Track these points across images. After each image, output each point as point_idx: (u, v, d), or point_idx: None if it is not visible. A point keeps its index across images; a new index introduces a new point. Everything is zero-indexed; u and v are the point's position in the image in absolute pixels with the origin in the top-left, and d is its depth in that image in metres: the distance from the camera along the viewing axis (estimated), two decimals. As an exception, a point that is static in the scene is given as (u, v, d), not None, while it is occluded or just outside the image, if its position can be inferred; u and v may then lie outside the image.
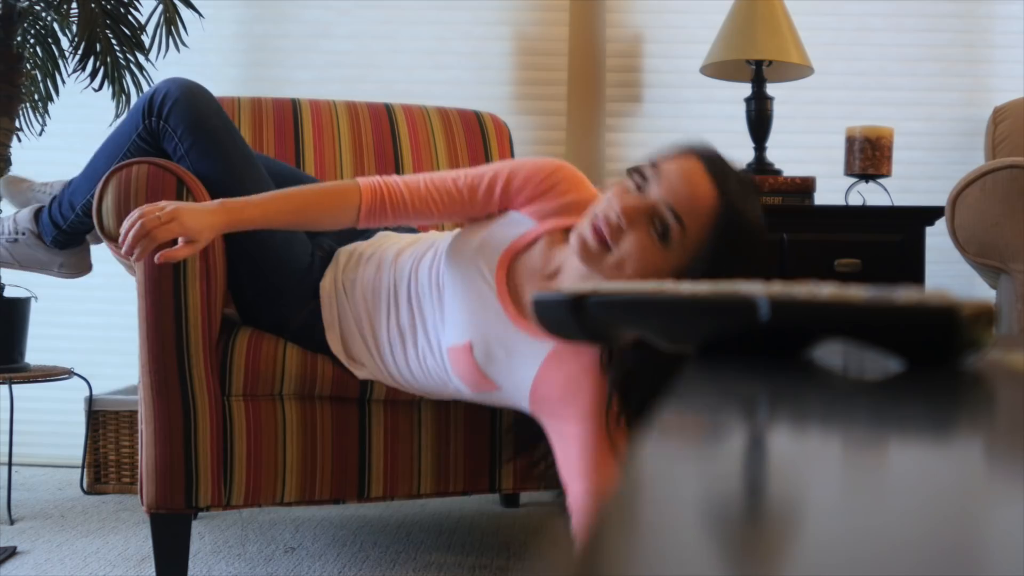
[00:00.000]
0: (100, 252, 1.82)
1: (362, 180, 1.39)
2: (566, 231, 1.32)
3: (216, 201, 1.35)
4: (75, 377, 2.23)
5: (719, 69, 2.44)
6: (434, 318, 1.41)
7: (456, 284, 1.37)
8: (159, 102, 1.53)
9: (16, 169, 2.15)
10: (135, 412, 2.27)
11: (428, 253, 1.44)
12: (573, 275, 1.27)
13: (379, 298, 1.47)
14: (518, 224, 1.37)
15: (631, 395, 1.23)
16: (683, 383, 0.41)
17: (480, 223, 1.40)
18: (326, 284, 1.51)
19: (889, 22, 2.64)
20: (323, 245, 1.56)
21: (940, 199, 2.26)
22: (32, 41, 2.31)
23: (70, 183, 1.72)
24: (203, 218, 1.30)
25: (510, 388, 1.35)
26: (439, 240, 1.46)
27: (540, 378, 1.30)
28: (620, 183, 1.19)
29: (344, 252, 1.54)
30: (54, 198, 1.74)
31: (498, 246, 1.36)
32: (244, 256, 1.51)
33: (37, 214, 1.75)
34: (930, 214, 2.19)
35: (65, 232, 1.72)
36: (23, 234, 1.75)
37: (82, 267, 1.85)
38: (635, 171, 1.19)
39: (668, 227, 1.14)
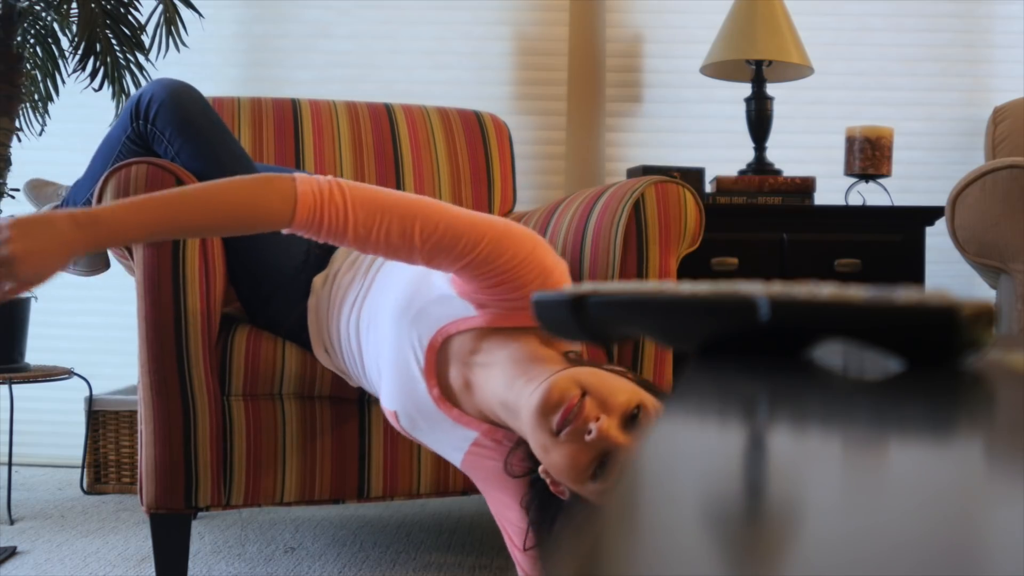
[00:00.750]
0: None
1: (302, 183, 1.10)
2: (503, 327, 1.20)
3: (76, 214, 1.06)
4: (75, 377, 2.23)
5: (719, 69, 2.44)
6: (376, 354, 1.32)
7: (392, 339, 1.27)
8: (145, 105, 1.53)
9: (16, 169, 2.15)
10: (135, 412, 2.27)
11: (396, 270, 1.35)
12: (499, 384, 1.16)
13: (344, 305, 1.41)
14: (456, 307, 1.21)
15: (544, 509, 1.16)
16: (683, 383, 0.41)
17: (420, 281, 1.25)
18: (317, 282, 1.50)
19: (889, 22, 2.64)
20: (318, 243, 1.53)
21: (940, 199, 2.26)
22: (32, 41, 2.31)
23: (76, 183, 1.74)
24: (49, 249, 1.04)
25: (441, 455, 1.33)
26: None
27: (468, 462, 1.27)
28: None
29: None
30: (64, 198, 1.77)
31: (434, 323, 1.22)
32: (234, 256, 1.51)
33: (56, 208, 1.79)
34: (930, 214, 2.19)
35: None
36: None
37: (97, 265, 1.86)
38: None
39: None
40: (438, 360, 1.23)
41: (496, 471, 1.23)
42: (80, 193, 1.69)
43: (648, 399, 1.07)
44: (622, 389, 1.06)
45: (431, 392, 1.24)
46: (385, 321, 1.29)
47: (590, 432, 1.02)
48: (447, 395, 1.24)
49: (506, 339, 1.19)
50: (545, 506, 1.14)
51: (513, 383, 1.13)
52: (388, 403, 1.31)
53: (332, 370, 1.48)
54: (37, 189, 1.94)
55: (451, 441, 1.27)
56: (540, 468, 1.11)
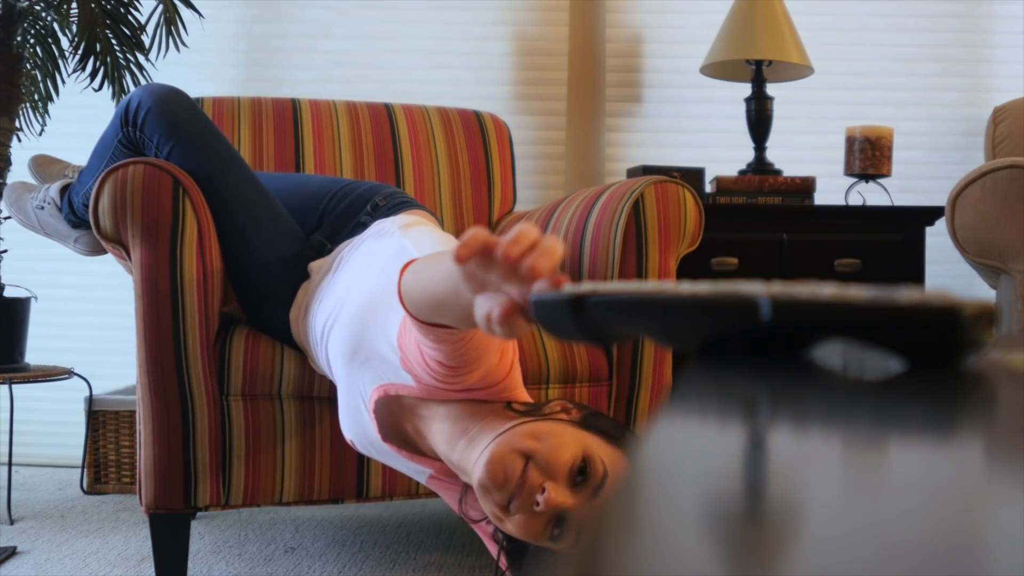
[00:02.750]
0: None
1: None
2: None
3: None
4: (75, 377, 2.23)
5: (719, 69, 2.44)
6: (333, 376, 1.31)
7: (343, 375, 1.25)
8: (134, 112, 1.54)
9: (16, 169, 2.15)
10: (135, 412, 2.27)
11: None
12: (441, 442, 1.13)
13: (309, 315, 1.40)
14: (397, 371, 1.15)
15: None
16: (683, 383, 0.41)
17: (366, 322, 1.19)
18: (300, 292, 1.49)
19: (889, 22, 2.64)
20: (313, 244, 1.54)
21: (940, 199, 2.26)
22: (32, 41, 2.31)
23: (80, 176, 1.75)
24: None
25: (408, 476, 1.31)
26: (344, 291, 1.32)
27: (431, 485, 1.26)
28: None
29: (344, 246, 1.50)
30: (70, 189, 1.79)
31: (376, 378, 1.19)
32: (228, 258, 1.51)
33: (65, 189, 1.79)
34: (930, 214, 2.19)
35: (76, 214, 1.76)
36: (48, 204, 1.80)
37: (98, 247, 1.87)
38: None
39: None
40: (387, 406, 1.20)
41: (457, 499, 1.22)
42: (81, 185, 1.71)
43: (593, 445, 1.04)
44: (565, 444, 1.03)
45: (379, 433, 1.21)
46: (336, 355, 1.26)
47: (538, 504, 1.01)
48: (398, 438, 1.22)
49: (442, 401, 1.15)
50: (514, 540, 1.11)
51: (455, 444, 1.10)
52: (345, 430, 1.30)
53: (320, 372, 1.49)
54: (42, 167, 1.94)
55: (408, 471, 1.27)
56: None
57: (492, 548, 1.21)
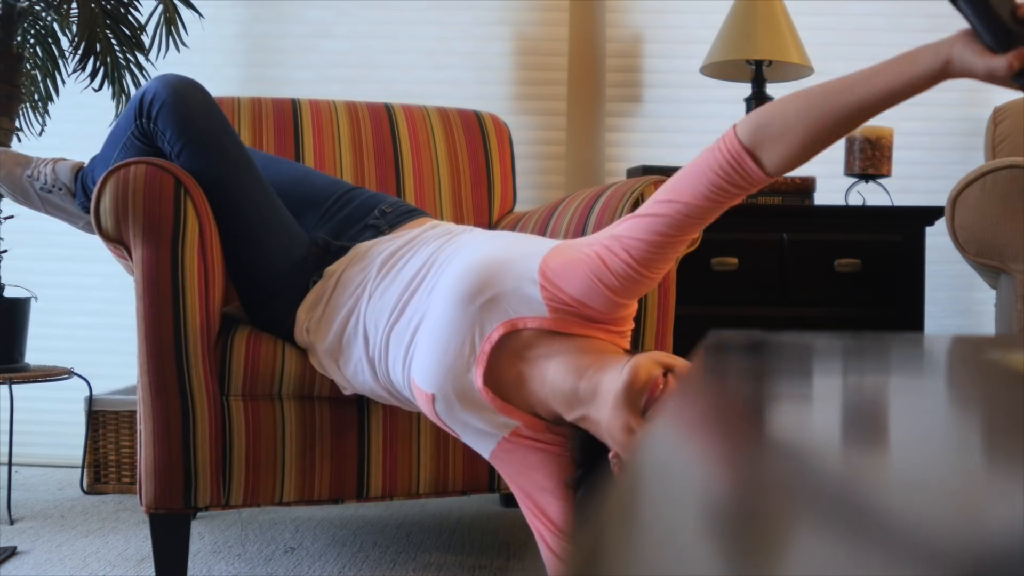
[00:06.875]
0: (101, 252, 1.82)
1: None
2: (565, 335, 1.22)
3: None
4: (75, 377, 2.23)
5: (719, 69, 2.44)
6: (409, 337, 1.33)
7: (444, 321, 1.27)
8: (148, 104, 1.53)
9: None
10: (135, 412, 2.27)
11: (422, 267, 1.37)
12: (565, 373, 1.20)
13: (346, 300, 1.43)
14: (531, 306, 1.22)
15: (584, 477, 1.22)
16: (684, 384, 0.41)
17: (493, 271, 1.26)
18: (312, 292, 1.50)
19: (889, 22, 2.64)
20: (318, 242, 1.54)
21: (940, 199, 2.27)
22: (32, 41, 2.31)
23: (92, 161, 1.74)
24: None
25: (470, 443, 1.33)
26: (440, 251, 1.37)
27: (502, 449, 1.28)
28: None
29: (362, 247, 1.51)
30: (81, 175, 1.77)
31: (501, 315, 1.23)
32: (234, 256, 1.51)
33: (78, 171, 1.78)
34: (930, 214, 2.19)
35: (88, 199, 1.75)
36: (60, 188, 1.78)
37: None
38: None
39: None
40: (502, 346, 1.24)
41: (533, 460, 1.27)
42: (91, 174, 1.70)
43: None
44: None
45: (478, 380, 1.25)
46: (439, 303, 1.28)
47: None
48: (495, 385, 1.25)
49: (567, 337, 1.22)
50: (587, 463, 1.19)
51: (584, 372, 1.17)
52: (426, 385, 1.30)
53: (322, 372, 1.49)
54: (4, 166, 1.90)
55: (488, 428, 1.28)
56: (611, 453, 1.16)
57: (544, 551, 1.26)
